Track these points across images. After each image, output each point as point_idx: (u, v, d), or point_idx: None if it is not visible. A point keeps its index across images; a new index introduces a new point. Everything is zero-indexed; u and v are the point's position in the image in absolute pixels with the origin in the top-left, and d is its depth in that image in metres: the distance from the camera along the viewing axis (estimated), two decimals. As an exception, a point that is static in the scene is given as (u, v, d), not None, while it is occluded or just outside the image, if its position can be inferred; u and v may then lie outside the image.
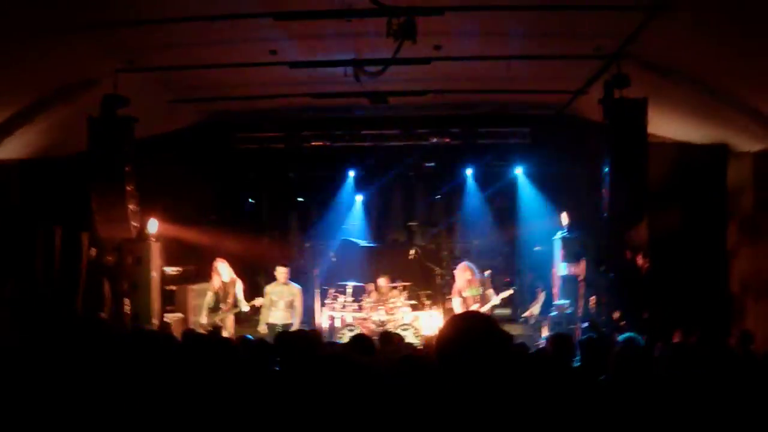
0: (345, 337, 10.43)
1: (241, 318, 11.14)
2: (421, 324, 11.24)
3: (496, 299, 10.74)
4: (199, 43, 8.10)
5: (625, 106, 7.50)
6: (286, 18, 7.19)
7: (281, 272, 10.76)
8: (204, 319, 10.42)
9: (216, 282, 10.59)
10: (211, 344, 4.42)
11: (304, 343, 4.15)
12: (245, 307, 10.67)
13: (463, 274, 10.89)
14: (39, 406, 3.26)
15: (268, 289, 10.77)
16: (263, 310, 10.68)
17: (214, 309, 10.52)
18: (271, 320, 10.57)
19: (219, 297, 10.55)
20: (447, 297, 12.68)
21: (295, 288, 10.81)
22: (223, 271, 10.61)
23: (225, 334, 9.90)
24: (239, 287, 10.73)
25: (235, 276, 10.72)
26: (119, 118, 8.36)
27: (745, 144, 8.90)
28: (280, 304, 10.62)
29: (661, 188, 8.57)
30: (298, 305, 10.75)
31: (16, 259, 8.94)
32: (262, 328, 10.42)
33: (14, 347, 4.03)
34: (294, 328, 10.07)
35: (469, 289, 10.81)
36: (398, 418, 2.91)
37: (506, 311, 13.19)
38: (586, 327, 9.20)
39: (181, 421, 3.19)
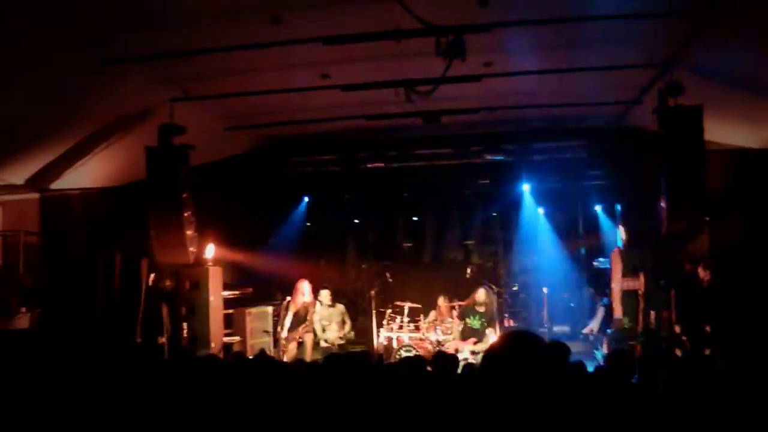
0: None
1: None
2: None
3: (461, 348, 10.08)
4: (251, 70, 8.24)
5: (680, 114, 7.33)
6: (336, 42, 7.26)
7: (326, 295, 11.03)
8: (285, 333, 10.68)
9: (298, 301, 10.83)
10: (258, 368, 4.45)
11: (352, 364, 4.14)
12: (320, 332, 10.94)
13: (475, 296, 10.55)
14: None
15: (315, 317, 10.92)
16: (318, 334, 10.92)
17: (291, 328, 10.74)
18: (325, 343, 10.74)
19: (299, 316, 10.76)
20: (504, 316, 12.50)
21: (341, 306, 11.20)
22: (305, 290, 10.82)
23: (306, 356, 10.30)
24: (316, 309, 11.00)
25: (314, 298, 10.96)
26: (176, 146, 8.58)
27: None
28: (333, 327, 10.81)
29: (720, 196, 8.30)
30: (348, 321, 11.15)
31: (77, 286, 9.22)
32: (317, 351, 10.61)
33: (71, 372, 4.12)
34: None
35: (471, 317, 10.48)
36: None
37: (565, 328, 12.94)
38: (644, 342, 8.91)
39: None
